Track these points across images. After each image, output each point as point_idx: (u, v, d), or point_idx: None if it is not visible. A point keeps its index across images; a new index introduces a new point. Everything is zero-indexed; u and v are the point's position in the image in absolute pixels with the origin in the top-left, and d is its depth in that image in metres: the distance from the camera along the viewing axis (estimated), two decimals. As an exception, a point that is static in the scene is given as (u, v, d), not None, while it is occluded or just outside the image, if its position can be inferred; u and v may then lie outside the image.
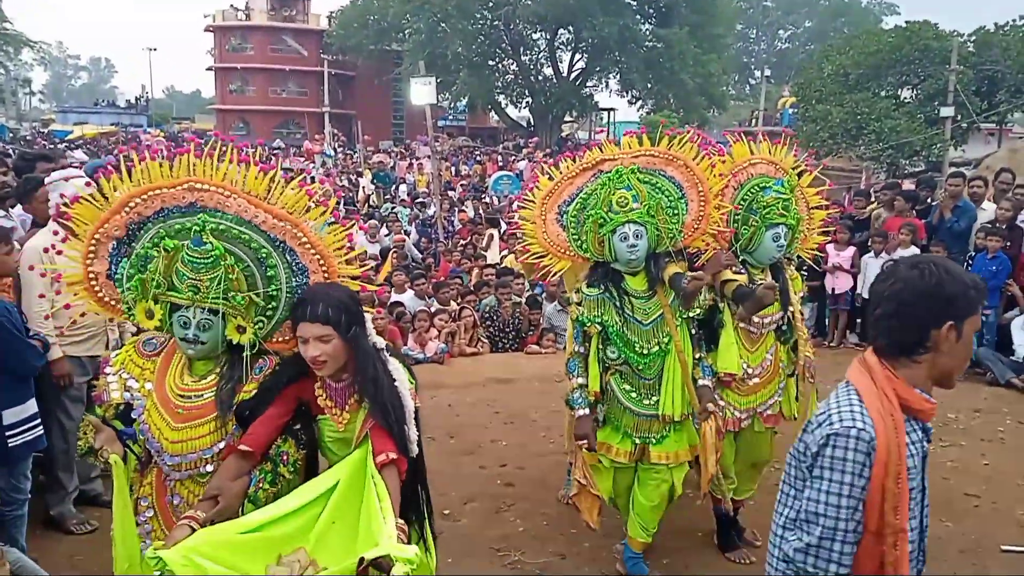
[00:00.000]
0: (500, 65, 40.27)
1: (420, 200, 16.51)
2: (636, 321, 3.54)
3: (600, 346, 3.60)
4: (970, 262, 7.74)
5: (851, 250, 8.48)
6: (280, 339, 2.58)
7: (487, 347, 8.36)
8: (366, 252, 10.75)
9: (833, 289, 8.50)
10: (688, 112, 37.70)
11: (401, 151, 31.99)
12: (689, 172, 3.65)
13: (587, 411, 3.58)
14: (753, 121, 34.64)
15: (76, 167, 5.54)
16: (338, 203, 2.85)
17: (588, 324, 3.56)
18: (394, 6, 37.21)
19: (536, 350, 8.25)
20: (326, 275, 2.56)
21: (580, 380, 3.60)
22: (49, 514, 4.24)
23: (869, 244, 8.38)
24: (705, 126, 43.55)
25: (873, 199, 9.52)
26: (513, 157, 30.01)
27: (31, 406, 3.74)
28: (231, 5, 47.62)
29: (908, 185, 12.08)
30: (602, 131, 36.76)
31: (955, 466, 5.27)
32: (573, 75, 40.77)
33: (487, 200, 18.14)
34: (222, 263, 2.33)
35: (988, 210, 8.07)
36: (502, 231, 13.12)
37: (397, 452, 2.43)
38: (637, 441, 3.65)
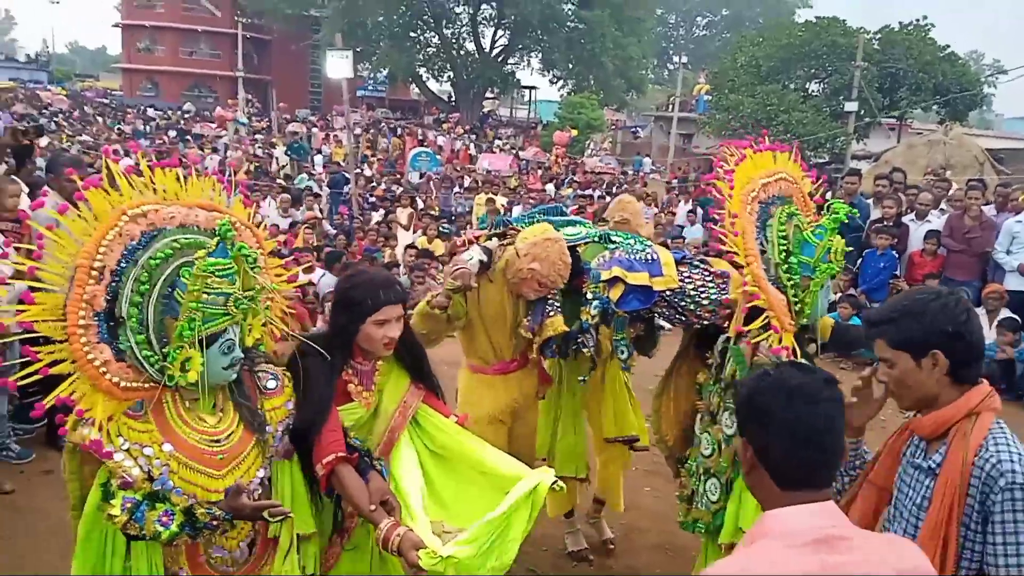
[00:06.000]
0: (422, 37, 39.74)
1: (334, 174, 16.20)
2: None
3: None
4: (861, 257, 8.17)
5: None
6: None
7: (398, 329, 8.31)
8: (277, 227, 10.56)
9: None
10: (608, 94, 38.11)
11: (317, 121, 31.33)
12: (804, 202, 3.11)
13: None
14: (669, 107, 35.28)
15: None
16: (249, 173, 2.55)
17: None
18: (313, -30, 36.22)
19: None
20: (259, 249, 2.39)
21: None
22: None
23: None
24: (623, 109, 44.19)
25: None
26: (434, 132, 29.80)
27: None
28: (140, -41, 45.37)
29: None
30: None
31: (838, 454, 5.58)
32: (495, 51, 40.59)
33: (405, 177, 18.03)
34: (243, 263, 2.12)
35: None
36: (419, 209, 13.08)
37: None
38: None
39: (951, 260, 7.84)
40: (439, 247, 10.25)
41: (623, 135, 37.25)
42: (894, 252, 7.97)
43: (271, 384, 2.30)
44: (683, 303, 3.16)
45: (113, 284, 2.01)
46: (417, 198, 13.82)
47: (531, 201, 14.01)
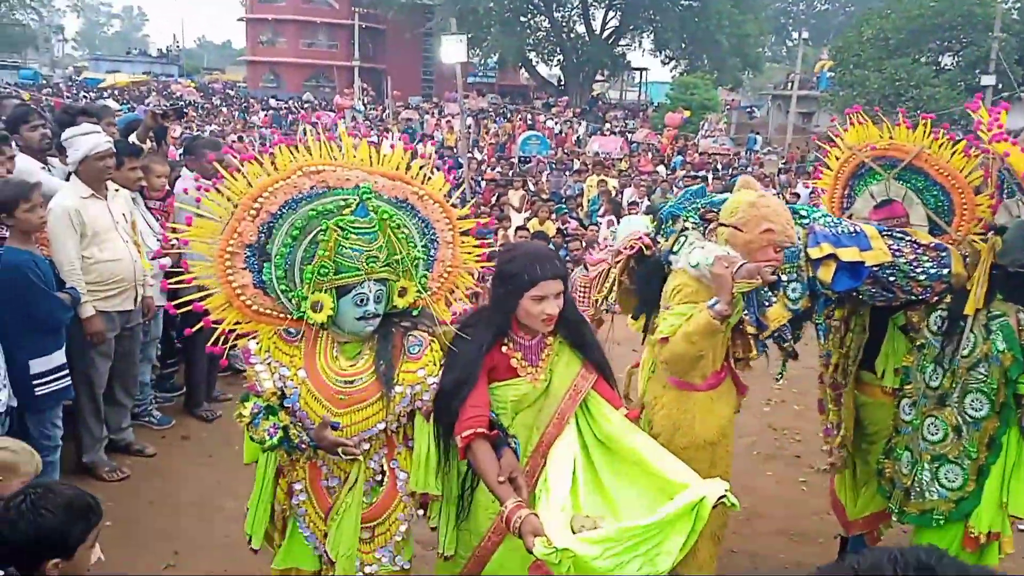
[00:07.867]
0: (532, 21, 39.68)
1: (445, 158, 16.44)
2: None
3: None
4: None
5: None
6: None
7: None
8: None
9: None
10: (722, 74, 37.02)
11: (430, 107, 31.83)
12: None
13: None
14: (788, 84, 33.95)
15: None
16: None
17: None
18: (425, -41, 36.73)
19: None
20: (448, 223, 2.52)
21: None
22: (81, 462, 4.36)
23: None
24: (739, 88, 42.83)
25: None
26: (543, 116, 29.78)
27: (58, 357, 3.81)
28: (263, -45, 47.22)
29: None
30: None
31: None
32: (606, 33, 40.11)
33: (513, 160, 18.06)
34: (387, 227, 2.28)
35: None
36: (530, 192, 13.09)
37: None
38: None
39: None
40: (550, 228, 10.23)
41: (739, 115, 36.12)
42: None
43: (415, 349, 2.41)
44: (893, 279, 2.82)
45: (269, 225, 2.28)
46: (528, 179, 13.82)
47: (642, 184, 13.77)
